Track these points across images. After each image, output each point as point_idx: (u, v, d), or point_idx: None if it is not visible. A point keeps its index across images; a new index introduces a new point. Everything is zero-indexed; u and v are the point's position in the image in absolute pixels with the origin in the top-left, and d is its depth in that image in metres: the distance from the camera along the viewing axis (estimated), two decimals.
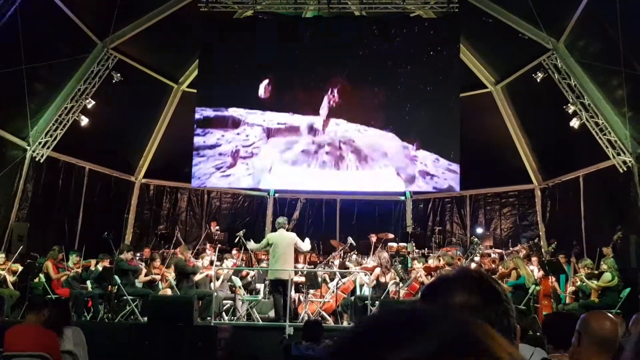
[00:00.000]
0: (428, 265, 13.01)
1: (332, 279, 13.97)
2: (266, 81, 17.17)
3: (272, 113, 17.21)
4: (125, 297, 12.41)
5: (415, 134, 16.70)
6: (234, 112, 17.22)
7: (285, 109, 17.19)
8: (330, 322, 12.46)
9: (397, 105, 16.80)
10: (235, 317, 12.86)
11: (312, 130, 17.10)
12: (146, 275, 13.69)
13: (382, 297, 12.18)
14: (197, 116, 17.05)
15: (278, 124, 17.21)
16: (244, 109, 17.21)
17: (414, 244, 16.66)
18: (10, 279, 12.99)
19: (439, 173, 16.38)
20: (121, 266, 12.59)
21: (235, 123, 17.19)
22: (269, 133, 17.16)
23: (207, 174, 17.09)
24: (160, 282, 13.80)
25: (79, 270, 13.63)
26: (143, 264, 14.50)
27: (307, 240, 12.71)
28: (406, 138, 16.72)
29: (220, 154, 17.08)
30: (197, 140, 17.02)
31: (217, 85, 17.17)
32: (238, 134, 17.16)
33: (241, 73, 17.16)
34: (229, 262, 14.39)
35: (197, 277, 13.06)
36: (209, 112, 17.13)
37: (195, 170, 17.04)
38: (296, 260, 13.69)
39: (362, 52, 17.00)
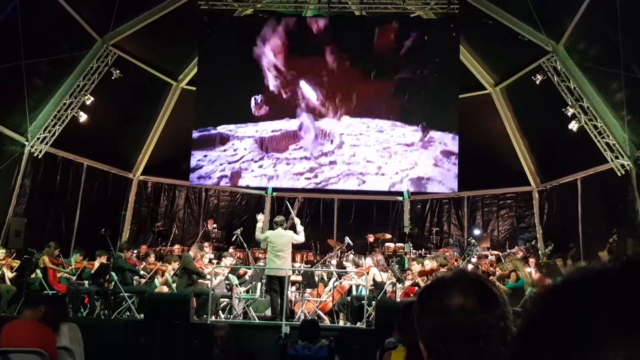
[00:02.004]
0: (423, 269, 13.00)
1: (329, 279, 13.97)
2: (258, 97, 16.94)
3: (265, 123, 16.97)
4: (121, 294, 12.40)
5: (418, 117, 16.56)
6: (222, 129, 16.97)
7: (281, 116, 16.95)
8: (326, 321, 12.46)
9: (396, 95, 16.70)
10: (231, 316, 12.85)
11: (313, 132, 16.79)
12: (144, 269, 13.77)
13: (379, 297, 12.18)
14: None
15: (272, 131, 16.88)
16: (234, 124, 16.98)
17: (411, 244, 16.66)
18: (8, 274, 12.98)
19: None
20: (119, 264, 12.59)
21: (224, 140, 16.90)
22: (262, 143, 16.87)
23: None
24: (156, 277, 13.80)
25: (80, 266, 13.62)
26: (137, 261, 14.53)
27: (300, 228, 12.70)
28: (412, 123, 16.55)
29: (199, 177, 16.93)
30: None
31: (213, 100, 17.06)
32: (225, 150, 16.85)
33: (236, 83, 17.04)
34: (227, 261, 14.37)
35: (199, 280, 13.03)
36: (194, 134, 17.03)
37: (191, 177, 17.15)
38: (293, 260, 13.69)
39: (357, 56, 16.96)
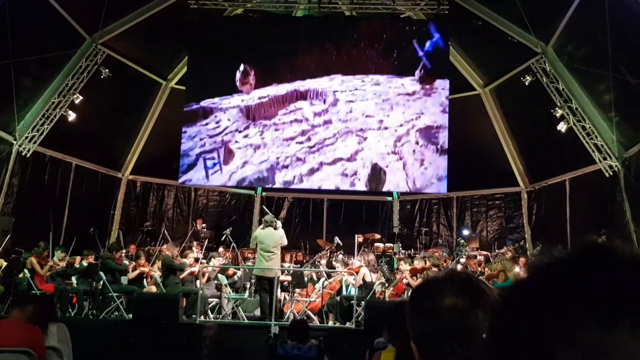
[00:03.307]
0: (414, 267, 13.03)
1: (319, 279, 13.97)
2: (242, 68, 16.30)
3: (252, 91, 16.15)
4: (110, 294, 12.35)
5: (413, 65, 16.01)
6: (204, 103, 16.21)
7: (269, 83, 15.97)
8: (315, 321, 12.46)
9: (386, 52, 16.32)
10: (220, 316, 12.83)
11: (306, 95, 15.94)
12: (133, 270, 13.65)
13: (368, 297, 12.20)
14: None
15: (259, 98, 15.73)
16: (218, 97, 16.17)
17: (400, 244, 16.68)
18: None
19: None
20: (107, 264, 12.53)
21: (206, 113, 16.08)
22: (248, 111, 15.93)
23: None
24: (145, 279, 13.74)
25: (64, 264, 13.51)
26: (128, 261, 14.42)
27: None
28: (408, 74, 15.87)
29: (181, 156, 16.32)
30: None
31: (203, 84, 16.71)
32: (206, 123, 16.00)
33: (223, 66, 16.64)
34: (216, 261, 14.31)
35: (183, 274, 13.02)
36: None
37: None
38: (283, 259, 13.69)
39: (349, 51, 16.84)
